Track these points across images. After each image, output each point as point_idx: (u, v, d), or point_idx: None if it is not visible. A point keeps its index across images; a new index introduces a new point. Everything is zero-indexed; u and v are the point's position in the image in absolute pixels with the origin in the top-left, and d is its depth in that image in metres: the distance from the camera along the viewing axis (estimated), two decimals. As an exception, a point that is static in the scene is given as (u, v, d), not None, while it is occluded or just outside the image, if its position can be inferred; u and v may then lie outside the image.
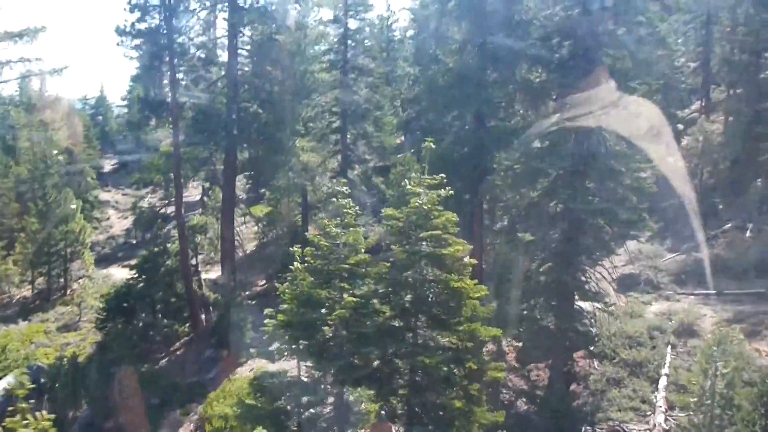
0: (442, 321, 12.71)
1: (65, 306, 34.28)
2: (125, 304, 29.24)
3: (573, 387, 22.83)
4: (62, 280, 35.95)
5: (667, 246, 30.86)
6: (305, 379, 12.38)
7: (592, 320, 24.69)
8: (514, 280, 23.23)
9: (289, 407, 12.12)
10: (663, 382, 21.88)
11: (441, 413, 12.15)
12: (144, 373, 27.19)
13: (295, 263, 13.13)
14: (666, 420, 20.09)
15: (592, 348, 23.08)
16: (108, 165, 59.12)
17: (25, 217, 36.10)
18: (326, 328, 12.46)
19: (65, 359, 26.48)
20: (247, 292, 33.94)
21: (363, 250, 12.97)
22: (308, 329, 12.31)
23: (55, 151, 44.64)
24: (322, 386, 12.41)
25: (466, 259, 13.45)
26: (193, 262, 31.39)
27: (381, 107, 36.12)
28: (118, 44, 28.81)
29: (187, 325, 29.92)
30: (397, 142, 45.59)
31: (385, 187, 34.95)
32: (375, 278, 12.93)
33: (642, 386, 22.08)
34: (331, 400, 12.65)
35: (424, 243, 12.78)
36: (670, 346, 23.84)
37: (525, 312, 22.90)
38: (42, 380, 25.99)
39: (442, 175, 13.28)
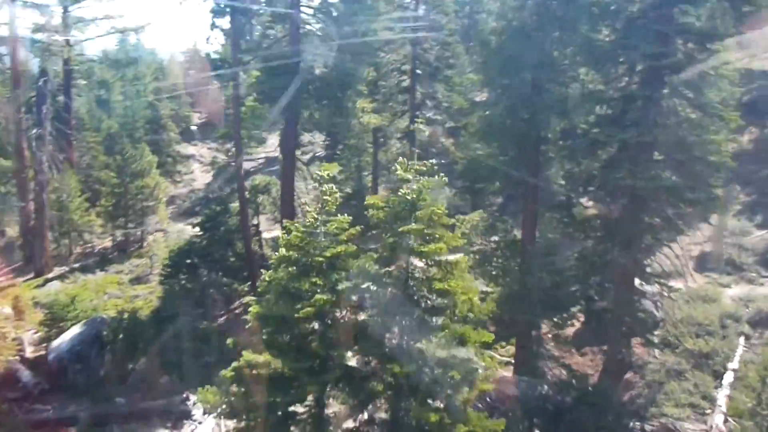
0: (426, 323, 11.70)
1: (139, 259, 35.48)
2: (188, 261, 29.70)
3: (628, 376, 21.26)
4: (139, 233, 37.17)
5: (757, 222, 27.93)
6: (286, 374, 11.82)
7: (658, 303, 22.89)
8: (568, 258, 21.74)
9: (269, 401, 11.62)
10: (729, 378, 19.93)
11: (422, 423, 11.27)
12: (202, 331, 27.71)
13: (280, 250, 12.42)
14: (725, 422, 18.29)
15: (651, 335, 21.30)
16: (197, 119, 60.42)
17: (105, 170, 37.38)
18: (304, 323, 11.74)
19: (126, 312, 27.21)
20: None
21: (346, 239, 12.02)
22: (285, 323, 11.65)
23: (143, 106, 46.07)
24: (299, 383, 11.79)
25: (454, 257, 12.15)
26: (255, 221, 31.43)
27: (453, 66, 34.44)
28: (180, 3, 28.71)
29: (247, 284, 30.19)
30: (476, 101, 43.69)
31: (455, 149, 33.69)
32: (356, 272, 12.00)
33: (705, 381, 20.23)
34: (310, 397, 12.05)
35: (410, 237, 11.72)
36: (743, 337, 21.71)
37: (577, 293, 21.36)
38: (104, 332, 27.10)
39: (433, 161, 12.10)
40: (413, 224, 11.46)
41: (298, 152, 31.64)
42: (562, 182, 21.38)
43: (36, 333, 28.50)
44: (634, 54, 19.18)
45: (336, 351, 11.58)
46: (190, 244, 30.03)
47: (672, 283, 22.39)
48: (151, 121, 45.90)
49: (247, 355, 11.77)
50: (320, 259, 11.68)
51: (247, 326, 12.48)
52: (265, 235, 32.85)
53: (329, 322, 11.74)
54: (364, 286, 11.80)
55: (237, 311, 30.13)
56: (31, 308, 30.07)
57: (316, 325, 11.85)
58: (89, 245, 37.75)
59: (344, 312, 11.80)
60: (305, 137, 47.94)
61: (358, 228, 12.32)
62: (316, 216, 12.23)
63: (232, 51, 28.44)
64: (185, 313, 28.83)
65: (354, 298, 11.90)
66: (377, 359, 11.55)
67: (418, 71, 33.40)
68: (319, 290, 11.44)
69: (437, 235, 11.65)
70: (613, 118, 19.62)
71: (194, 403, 23.60)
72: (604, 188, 20.16)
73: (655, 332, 21.98)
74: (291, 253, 12.03)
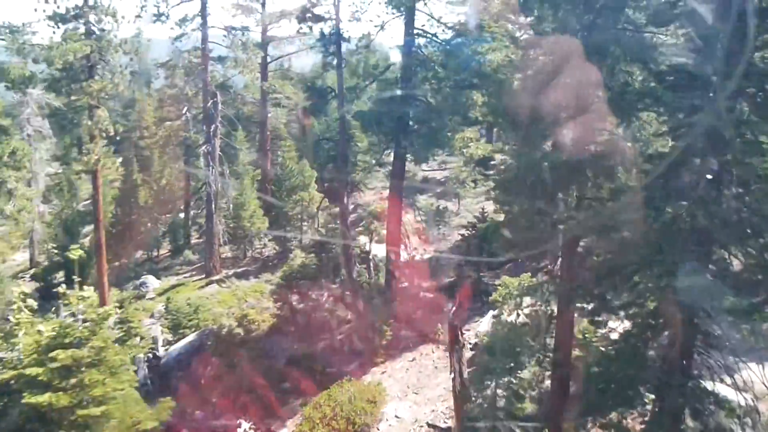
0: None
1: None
2: (302, 281, 30.43)
3: None
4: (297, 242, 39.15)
5: None
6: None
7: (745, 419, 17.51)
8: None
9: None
10: None
11: None
12: (300, 355, 28.32)
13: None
14: None
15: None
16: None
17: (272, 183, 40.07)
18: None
19: (225, 327, 28.71)
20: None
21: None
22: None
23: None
24: None
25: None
26: (367, 248, 31.07)
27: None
28: (298, 31, 29.34)
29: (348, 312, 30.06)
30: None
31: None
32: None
33: None
34: None
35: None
36: None
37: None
38: (208, 343, 29.19)
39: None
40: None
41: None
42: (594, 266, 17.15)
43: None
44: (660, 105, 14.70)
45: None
46: (303, 265, 30.69)
47: None
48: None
49: None
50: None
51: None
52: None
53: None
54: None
55: (339, 337, 30.19)
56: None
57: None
58: (258, 251, 40.89)
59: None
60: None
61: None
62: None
63: (337, 77, 28.23)
64: (292, 334, 29.89)
65: None
66: None
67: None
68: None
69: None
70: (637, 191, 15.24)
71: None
72: (626, 285, 15.75)
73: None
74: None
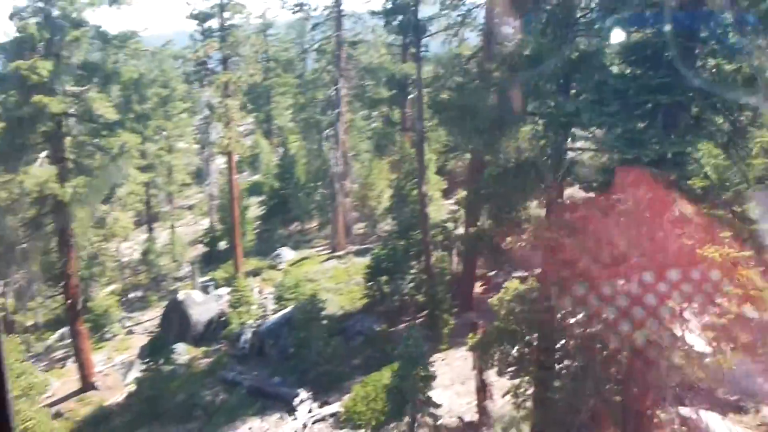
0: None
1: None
2: (391, 265, 31.61)
3: None
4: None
5: None
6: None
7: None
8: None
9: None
10: None
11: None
12: (377, 334, 29.80)
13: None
14: None
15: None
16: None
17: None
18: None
19: (308, 305, 30.81)
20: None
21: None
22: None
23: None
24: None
25: None
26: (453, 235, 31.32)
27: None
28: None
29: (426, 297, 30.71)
30: None
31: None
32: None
33: None
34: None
35: None
36: None
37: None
38: (299, 317, 31.56)
39: None
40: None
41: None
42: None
43: (283, 304, 34.93)
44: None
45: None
46: (394, 249, 31.71)
47: None
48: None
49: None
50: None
51: None
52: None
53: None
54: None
55: (418, 321, 31.00)
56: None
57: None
58: (385, 230, 42.65)
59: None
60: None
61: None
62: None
63: (416, 68, 28.69)
64: (378, 314, 31.41)
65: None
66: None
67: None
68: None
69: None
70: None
71: (301, 401, 26.44)
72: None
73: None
74: None
